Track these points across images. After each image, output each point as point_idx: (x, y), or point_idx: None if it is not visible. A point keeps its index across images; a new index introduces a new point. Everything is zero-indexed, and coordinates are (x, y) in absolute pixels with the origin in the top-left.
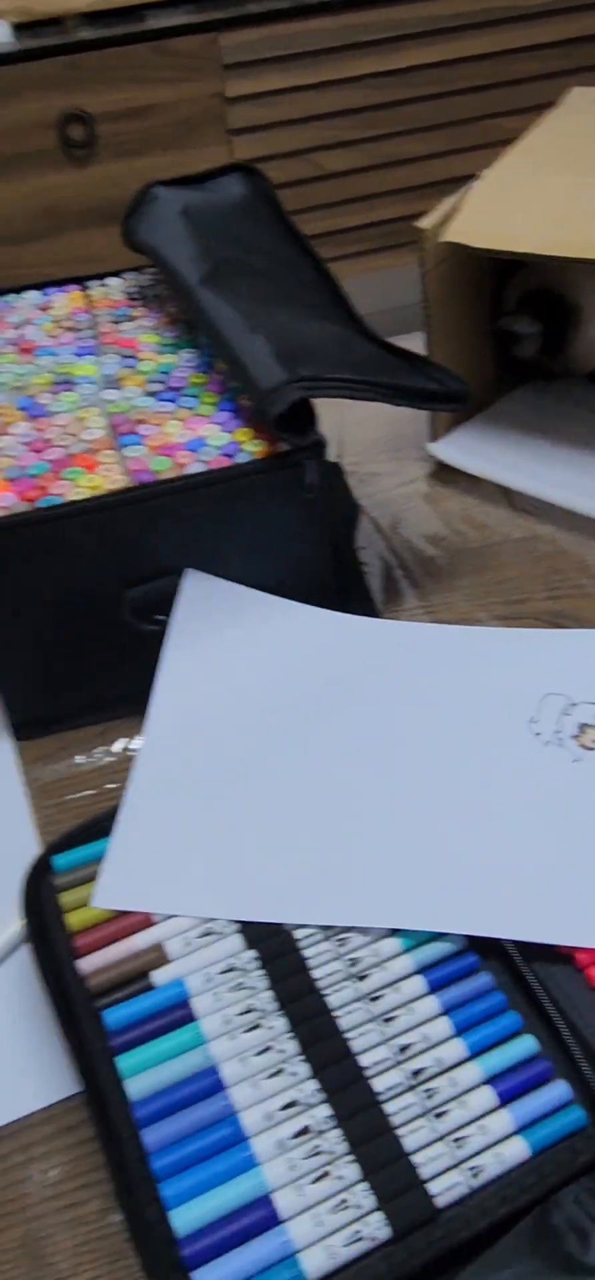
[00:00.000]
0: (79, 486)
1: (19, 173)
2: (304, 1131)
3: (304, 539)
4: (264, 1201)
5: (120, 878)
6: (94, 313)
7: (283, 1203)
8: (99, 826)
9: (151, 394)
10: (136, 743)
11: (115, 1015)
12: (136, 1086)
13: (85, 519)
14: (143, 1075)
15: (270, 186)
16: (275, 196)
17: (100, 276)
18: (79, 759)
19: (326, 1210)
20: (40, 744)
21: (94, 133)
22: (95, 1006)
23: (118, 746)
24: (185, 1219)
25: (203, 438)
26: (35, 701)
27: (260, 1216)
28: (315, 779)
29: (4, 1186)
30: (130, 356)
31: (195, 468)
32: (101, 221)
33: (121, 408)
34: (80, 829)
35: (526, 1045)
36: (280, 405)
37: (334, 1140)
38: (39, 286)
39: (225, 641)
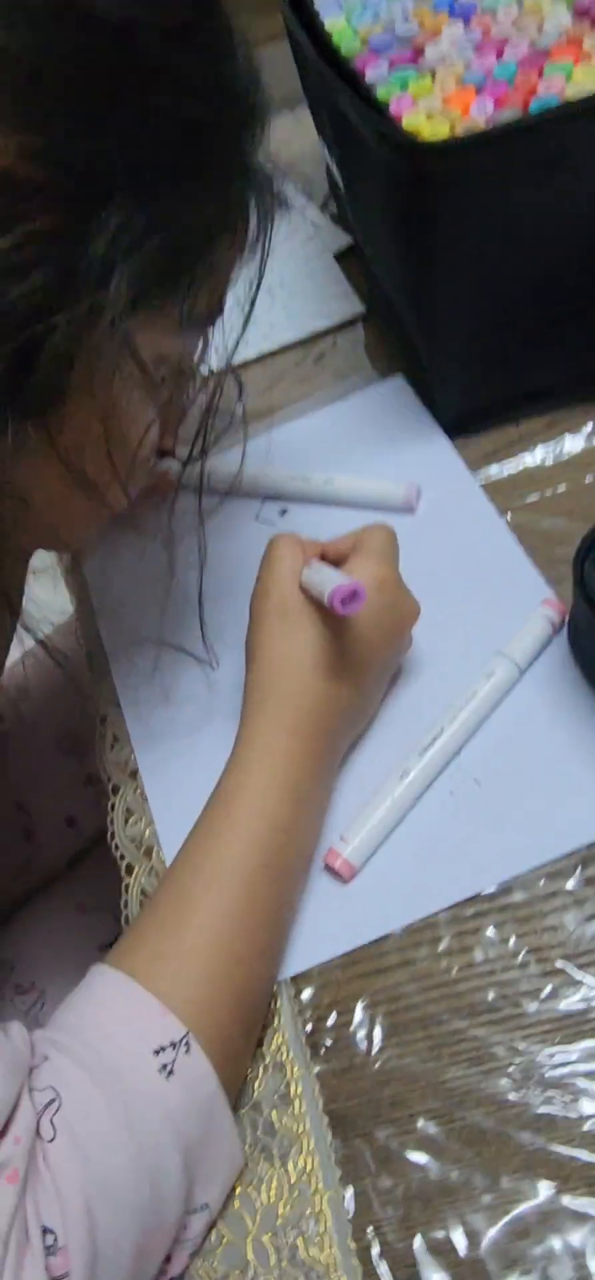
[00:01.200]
0: (575, 82)
1: None
2: None
3: None
4: None
5: None
6: None
7: None
8: None
9: None
10: None
11: None
12: None
13: None
14: None
15: None
16: None
17: None
18: (537, 452)
19: None
20: (479, 442)
21: None
22: None
23: (585, 432)
24: None
25: None
26: (475, 390)
27: None
28: None
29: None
30: None
31: None
32: None
33: None
34: None
35: None
36: None
37: None
38: None
39: None
